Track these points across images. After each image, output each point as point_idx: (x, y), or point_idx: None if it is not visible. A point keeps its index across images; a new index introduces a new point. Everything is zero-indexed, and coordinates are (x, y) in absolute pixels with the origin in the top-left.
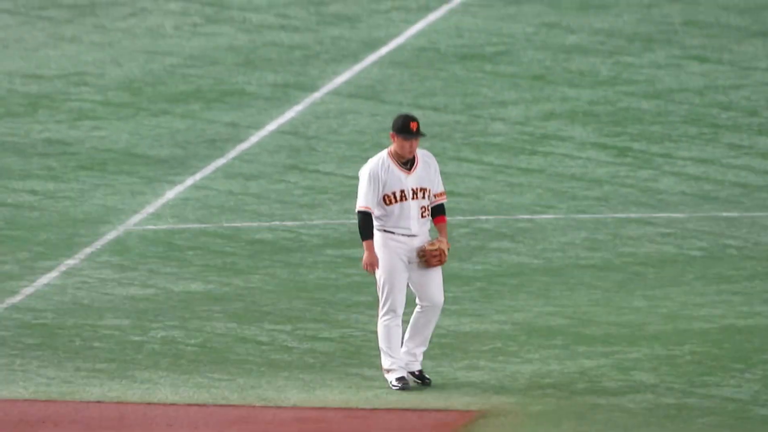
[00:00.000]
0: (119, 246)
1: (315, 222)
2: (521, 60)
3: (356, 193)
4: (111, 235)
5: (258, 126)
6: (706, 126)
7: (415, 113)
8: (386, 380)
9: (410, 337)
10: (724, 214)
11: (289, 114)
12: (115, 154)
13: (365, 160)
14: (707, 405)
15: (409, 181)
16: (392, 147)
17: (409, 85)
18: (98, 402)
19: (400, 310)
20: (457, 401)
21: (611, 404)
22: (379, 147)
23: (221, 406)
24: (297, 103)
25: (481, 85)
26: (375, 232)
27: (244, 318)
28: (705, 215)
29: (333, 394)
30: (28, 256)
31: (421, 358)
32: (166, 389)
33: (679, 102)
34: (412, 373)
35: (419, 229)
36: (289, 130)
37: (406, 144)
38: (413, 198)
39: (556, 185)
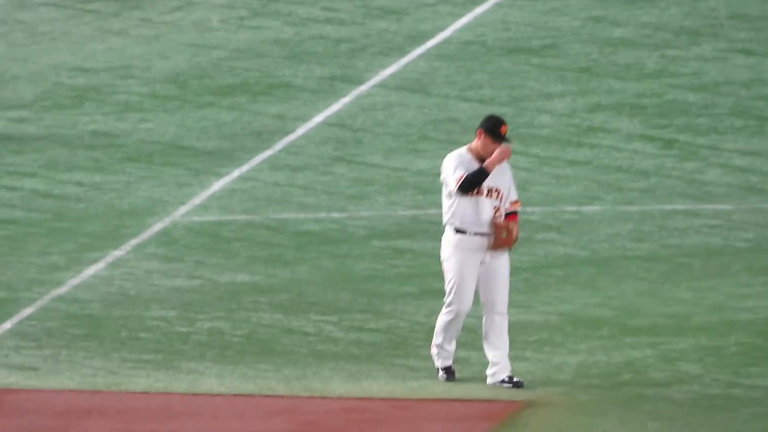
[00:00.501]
0: (165, 237)
1: (361, 213)
2: (568, 53)
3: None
4: (157, 227)
5: (304, 118)
6: (752, 118)
7: (462, 106)
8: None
9: (487, 347)
10: None
11: (336, 106)
12: (162, 146)
13: (411, 152)
14: (753, 396)
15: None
16: (474, 144)
17: (455, 77)
18: (144, 393)
19: (464, 312)
20: (504, 392)
21: (657, 395)
22: (426, 139)
23: (267, 396)
24: (343, 95)
25: (527, 78)
26: (447, 229)
27: (290, 309)
28: (751, 207)
29: (379, 385)
30: (74, 248)
31: (507, 364)
32: (212, 380)
33: (725, 95)
34: (503, 381)
35: (491, 229)
36: (336, 123)
37: (493, 147)
38: (487, 196)
39: (602, 177)
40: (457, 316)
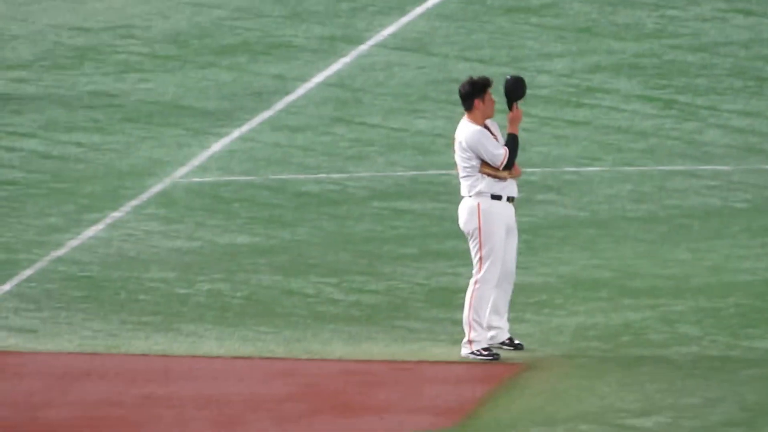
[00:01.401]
0: (165, 198)
1: (361, 174)
2: (567, 12)
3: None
4: (157, 188)
5: (304, 78)
6: (752, 79)
7: (461, 66)
8: (467, 350)
9: (494, 316)
10: None
11: (336, 66)
12: (162, 107)
13: (411, 112)
14: (751, 357)
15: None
16: (474, 114)
17: (455, 37)
18: (143, 355)
19: (496, 281)
20: (503, 353)
21: (656, 356)
22: (426, 100)
23: (267, 358)
24: (343, 55)
25: (527, 37)
26: (481, 197)
27: (290, 271)
28: (750, 168)
29: (378, 347)
30: (73, 209)
31: (507, 325)
32: (212, 342)
33: (724, 55)
34: (503, 343)
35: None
36: (336, 83)
37: (492, 101)
38: None
39: (601, 137)
40: (490, 287)
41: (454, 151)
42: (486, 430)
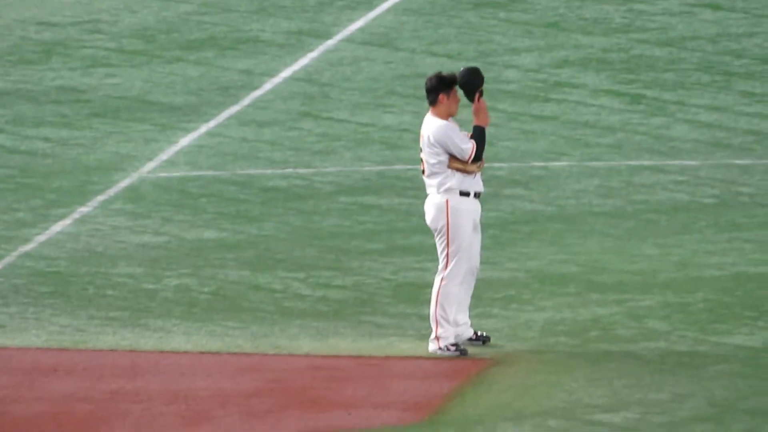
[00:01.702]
0: (132, 193)
1: (328, 169)
2: (535, 7)
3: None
4: (124, 183)
5: (272, 73)
6: (719, 74)
7: (429, 61)
8: (434, 346)
9: (460, 311)
10: (737, 161)
11: (303, 61)
12: (129, 102)
13: (378, 107)
14: (719, 353)
15: None
16: (440, 109)
17: (422, 32)
18: (111, 350)
19: (475, 272)
20: (471, 349)
21: (624, 352)
22: (393, 94)
23: (234, 354)
24: (311, 50)
25: (494, 32)
26: (449, 193)
27: (257, 266)
28: (717, 163)
29: (346, 342)
30: (41, 204)
31: (469, 321)
32: (179, 337)
33: (692, 49)
34: (470, 339)
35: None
36: (303, 77)
37: (457, 97)
38: None
39: (569, 132)
40: (457, 282)
41: (420, 149)
42: (454, 425)
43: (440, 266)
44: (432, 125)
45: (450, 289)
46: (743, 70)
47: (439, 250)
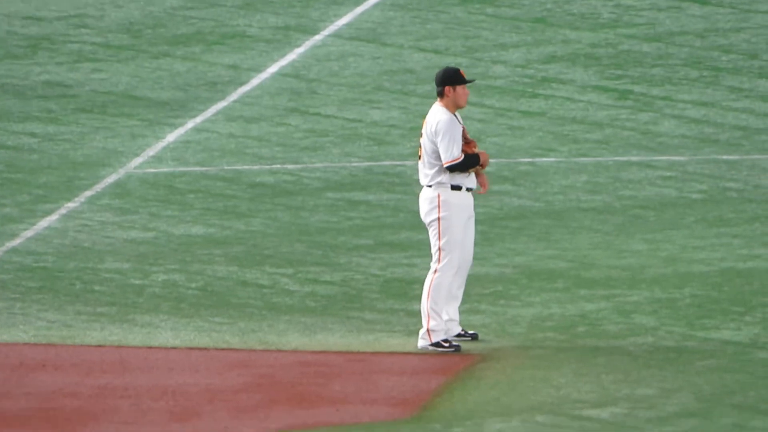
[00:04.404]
0: (120, 189)
1: (316, 165)
2: (522, 2)
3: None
4: (111, 178)
5: (259, 68)
6: (707, 69)
7: (416, 56)
8: (425, 342)
9: (447, 304)
10: (725, 157)
11: (290, 56)
12: (116, 97)
13: (366, 103)
14: (707, 348)
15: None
16: (446, 101)
17: (410, 27)
18: (99, 346)
19: (467, 267)
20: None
21: (611, 347)
22: (380, 90)
23: (222, 349)
24: (298, 45)
25: (482, 27)
26: (441, 187)
27: (245, 261)
28: (705, 158)
29: (334, 338)
30: (28, 199)
31: (458, 318)
32: (167, 333)
33: (679, 45)
34: (458, 335)
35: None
36: (290, 73)
37: (465, 91)
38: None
39: (557, 128)
40: (450, 275)
41: (420, 135)
42: (442, 421)
43: (433, 259)
44: (439, 115)
45: (442, 281)
46: (731, 65)
47: (431, 243)
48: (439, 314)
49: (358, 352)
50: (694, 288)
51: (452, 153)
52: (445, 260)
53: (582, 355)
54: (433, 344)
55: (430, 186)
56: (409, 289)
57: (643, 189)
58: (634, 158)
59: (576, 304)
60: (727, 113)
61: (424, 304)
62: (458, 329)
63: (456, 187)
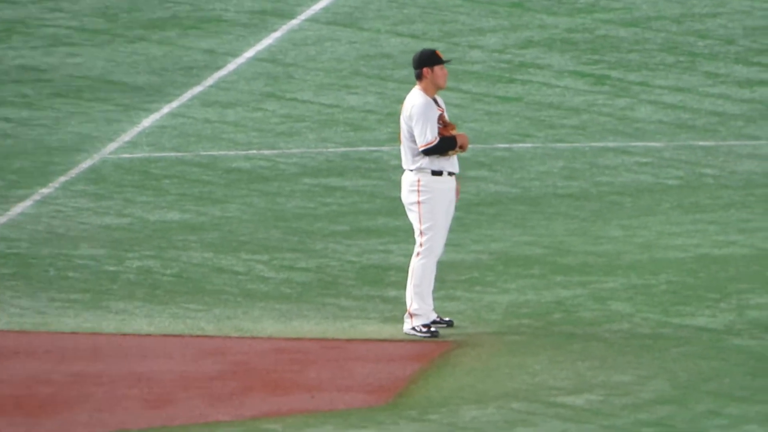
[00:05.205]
0: (94, 174)
1: (292, 150)
2: None
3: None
4: (86, 164)
5: (235, 53)
6: (683, 54)
7: (393, 41)
8: (408, 324)
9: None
10: (701, 142)
11: (267, 41)
12: (91, 81)
13: (343, 88)
14: (682, 335)
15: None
16: (424, 84)
17: (387, 12)
18: (73, 333)
19: (440, 253)
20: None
21: (587, 334)
22: (357, 75)
23: (197, 336)
24: (275, 30)
25: (459, 12)
26: (421, 172)
27: (220, 248)
28: (682, 144)
29: (309, 325)
30: (1, 185)
31: (432, 304)
32: (141, 320)
33: (656, 30)
34: (433, 322)
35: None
36: (267, 58)
37: (443, 72)
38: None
39: (533, 114)
40: (434, 259)
41: (399, 120)
42: (417, 408)
43: (416, 243)
44: (415, 99)
45: (427, 263)
46: (707, 50)
47: (414, 227)
48: (423, 298)
49: (334, 339)
50: (670, 274)
51: (426, 136)
52: (427, 244)
53: (558, 341)
54: (414, 328)
55: (411, 170)
56: (385, 275)
57: (619, 175)
58: (610, 144)
59: (552, 290)
60: (703, 99)
61: (409, 288)
62: (433, 315)
63: (437, 172)
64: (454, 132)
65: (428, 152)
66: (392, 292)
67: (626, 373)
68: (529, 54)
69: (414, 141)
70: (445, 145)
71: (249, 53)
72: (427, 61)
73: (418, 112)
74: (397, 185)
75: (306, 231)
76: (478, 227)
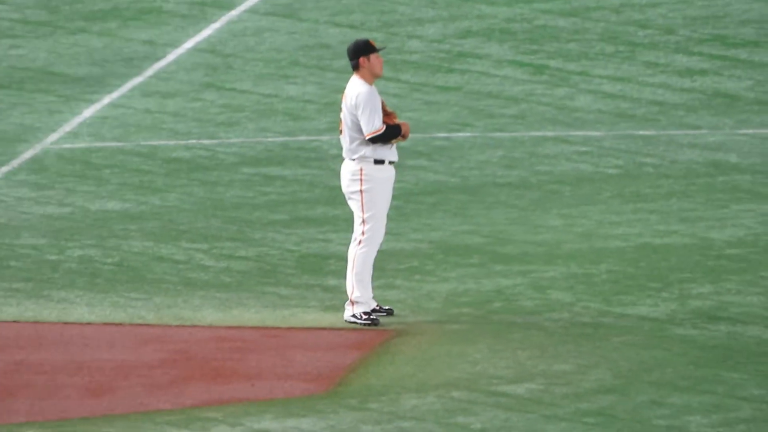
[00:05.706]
0: (36, 165)
1: (231, 140)
2: None
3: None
4: (28, 154)
5: (175, 44)
6: (623, 44)
7: (332, 31)
8: (349, 311)
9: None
10: (641, 132)
11: (206, 32)
12: (33, 73)
13: (282, 78)
14: (623, 324)
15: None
16: (363, 73)
17: (326, 2)
18: (15, 321)
19: (381, 241)
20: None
21: (527, 323)
22: (296, 65)
23: (137, 325)
24: (214, 20)
25: (398, 2)
26: (363, 161)
27: (160, 237)
28: (621, 133)
29: (249, 313)
30: None
31: (372, 292)
32: (83, 308)
33: (595, 20)
34: (373, 310)
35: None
36: (206, 48)
37: (378, 60)
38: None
39: (472, 103)
40: (375, 248)
41: (341, 110)
42: (357, 396)
43: (356, 233)
44: (358, 87)
45: (368, 253)
46: (647, 40)
47: (355, 216)
48: (364, 284)
49: (274, 328)
50: (611, 264)
51: (374, 124)
52: (370, 233)
53: (498, 330)
54: (354, 315)
55: (353, 159)
56: (325, 264)
57: (559, 164)
58: (549, 133)
59: (492, 279)
60: (643, 88)
61: (350, 276)
62: (373, 304)
63: (379, 161)
64: (396, 120)
65: (375, 140)
66: (332, 281)
67: (567, 362)
68: (468, 44)
69: (358, 130)
70: (391, 133)
71: (188, 44)
72: (362, 50)
73: (364, 101)
74: (337, 174)
75: (245, 220)
76: (417, 216)
